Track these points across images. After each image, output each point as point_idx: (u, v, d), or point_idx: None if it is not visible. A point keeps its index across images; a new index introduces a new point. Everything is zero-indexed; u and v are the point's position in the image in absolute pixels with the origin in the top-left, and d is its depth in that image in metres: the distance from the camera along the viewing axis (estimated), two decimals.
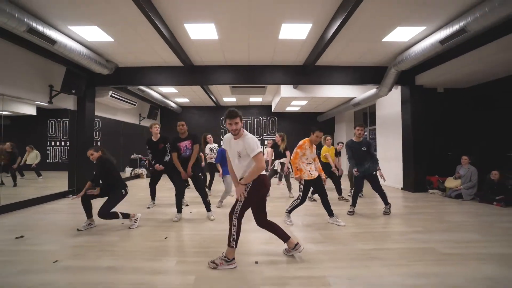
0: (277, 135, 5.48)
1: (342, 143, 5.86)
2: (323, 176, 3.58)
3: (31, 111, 8.27)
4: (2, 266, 2.32)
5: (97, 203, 3.33)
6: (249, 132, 6.47)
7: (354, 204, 4.08)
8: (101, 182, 3.44)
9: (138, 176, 9.28)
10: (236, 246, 2.27)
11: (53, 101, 5.27)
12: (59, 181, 8.16)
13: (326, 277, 2.10)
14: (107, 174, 3.40)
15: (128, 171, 9.67)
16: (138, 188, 6.87)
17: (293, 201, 3.53)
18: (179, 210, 3.83)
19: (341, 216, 3.80)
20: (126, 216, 3.38)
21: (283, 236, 2.43)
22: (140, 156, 10.24)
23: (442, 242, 2.87)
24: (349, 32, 4.31)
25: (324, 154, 5.18)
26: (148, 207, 4.60)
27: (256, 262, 2.36)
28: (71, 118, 6.15)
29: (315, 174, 3.44)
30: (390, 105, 7.06)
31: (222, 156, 4.60)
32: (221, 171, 4.66)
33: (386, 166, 7.22)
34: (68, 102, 5.79)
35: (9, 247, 2.77)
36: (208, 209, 3.86)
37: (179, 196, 3.84)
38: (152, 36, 4.50)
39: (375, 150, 7.84)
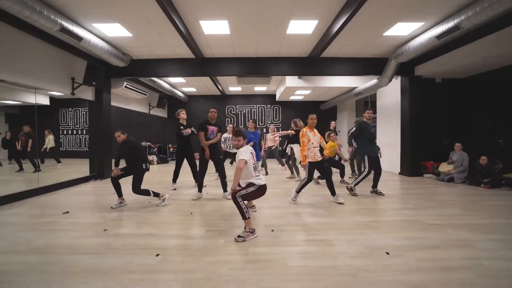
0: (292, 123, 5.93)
1: (336, 133, 6.18)
2: (325, 153, 4.00)
3: (45, 101, 8.68)
4: (62, 233, 2.83)
5: (126, 182, 3.81)
6: (254, 119, 6.89)
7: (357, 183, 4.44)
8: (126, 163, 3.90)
9: (149, 162, 9.76)
10: (250, 216, 2.72)
11: (75, 93, 5.67)
12: (74, 167, 8.73)
13: (330, 240, 2.60)
14: (130, 155, 3.85)
15: None
16: (152, 174, 7.37)
17: (301, 181, 4.01)
18: (200, 189, 4.33)
19: (344, 197, 4.30)
20: (156, 194, 3.87)
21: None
22: (149, 143, 10.74)
23: (427, 215, 3.36)
24: (353, 27, 4.62)
25: (332, 149, 5.36)
26: (174, 189, 5.14)
27: (272, 230, 2.86)
28: (90, 108, 6.56)
29: (318, 157, 3.89)
30: (390, 94, 7.41)
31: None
32: None
33: (385, 152, 7.61)
34: (87, 93, 6.18)
35: (61, 220, 3.28)
36: (225, 190, 4.35)
37: (201, 176, 4.31)
38: (168, 31, 4.84)
39: (376, 138, 8.27)
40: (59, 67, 5.23)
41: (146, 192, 3.79)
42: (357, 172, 6.27)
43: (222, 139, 6.15)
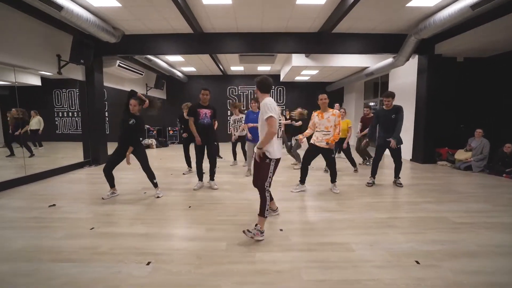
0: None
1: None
2: (331, 140, 3.55)
3: (35, 81, 8.16)
4: (45, 232, 2.51)
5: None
6: (257, 98, 6.35)
7: (374, 174, 4.14)
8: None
9: (148, 146, 9.42)
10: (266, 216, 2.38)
11: (61, 72, 5.17)
12: (71, 152, 8.38)
13: (349, 244, 2.26)
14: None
15: None
16: (152, 159, 7.01)
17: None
18: (200, 178, 4.00)
19: (357, 187, 3.96)
20: (156, 184, 3.62)
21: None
22: (148, 126, 10.31)
23: (452, 211, 3.01)
24: None
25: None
26: (184, 173, 5.04)
27: (281, 230, 2.53)
28: (81, 89, 6.08)
29: (319, 144, 3.55)
30: (404, 75, 6.85)
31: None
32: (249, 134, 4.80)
33: None
34: (77, 73, 5.68)
35: (46, 215, 2.96)
36: (212, 178, 4.04)
37: (198, 164, 3.96)
38: (161, 1, 4.26)
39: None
40: (42, 42, 4.69)
41: (153, 174, 3.62)
42: (367, 158, 5.91)
43: (232, 121, 5.69)
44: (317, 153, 3.65)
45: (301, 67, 7.68)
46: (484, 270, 1.87)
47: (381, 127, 4.05)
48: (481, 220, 2.77)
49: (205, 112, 3.87)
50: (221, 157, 6.66)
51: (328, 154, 3.64)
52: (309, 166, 3.76)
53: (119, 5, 4.41)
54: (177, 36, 5.91)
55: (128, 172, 4.74)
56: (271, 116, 2.21)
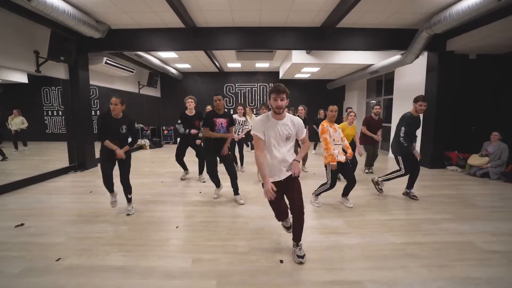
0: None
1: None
2: (349, 152, 3.27)
3: (22, 78, 7.67)
4: (4, 264, 2.11)
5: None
6: (255, 99, 5.94)
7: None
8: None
9: (141, 147, 9.00)
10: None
11: (41, 70, 4.71)
12: (58, 153, 7.86)
13: (363, 282, 1.88)
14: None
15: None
16: (143, 162, 6.62)
17: (322, 184, 3.28)
18: (218, 184, 3.69)
19: (367, 199, 3.58)
20: (130, 199, 3.21)
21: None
22: (141, 126, 9.87)
23: (479, 234, 2.63)
24: None
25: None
26: (182, 179, 4.73)
27: (281, 261, 2.13)
28: (64, 88, 5.62)
29: (341, 158, 3.11)
30: (412, 73, 6.42)
31: None
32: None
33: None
34: (59, 71, 5.21)
35: (10, 239, 2.56)
36: (236, 192, 3.58)
37: (214, 173, 3.59)
38: None
39: (390, 121, 7.41)
40: (16, 37, 4.23)
41: (130, 188, 3.20)
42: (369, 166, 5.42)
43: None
44: (340, 170, 3.24)
45: (301, 64, 7.23)
46: None
47: (409, 134, 3.47)
48: None
49: (221, 122, 3.46)
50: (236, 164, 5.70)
51: (347, 167, 3.27)
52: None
53: None
54: (168, 31, 5.45)
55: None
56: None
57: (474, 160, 5.04)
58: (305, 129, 2.14)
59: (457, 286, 1.84)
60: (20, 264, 2.12)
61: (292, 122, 2.04)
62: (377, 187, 3.80)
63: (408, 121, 3.44)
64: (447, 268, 2.06)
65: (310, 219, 3.00)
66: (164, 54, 7.58)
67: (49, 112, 10.68)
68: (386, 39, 5.47)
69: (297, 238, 2.16)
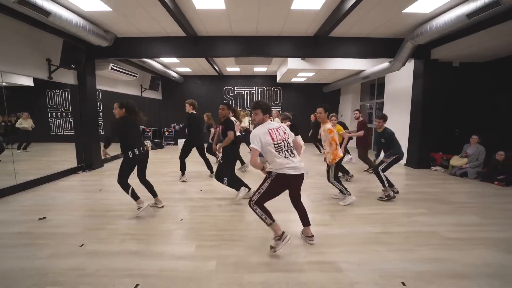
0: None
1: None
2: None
3: (27, 81, 8.03)
4: (33, 250, 2.47)
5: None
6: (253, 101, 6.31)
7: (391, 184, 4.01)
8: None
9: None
10: (273, 221, 2.37)
11: (52, 76, 5.07)
12: (64, 154, 8.21)
13: (338, 263, 2.25)
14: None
15: None
16: None
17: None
18: (242, 185, 3.83)
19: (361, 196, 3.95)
20: (134, 196, 3.25)
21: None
22: (143, 127, 10.22)
23: (445, 225, 3.01)
24: (369, 2, 3.95)
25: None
26: (183, 181, 4.98)
27: (271, 247, 2.50)
28: (72, 93, 5.98)
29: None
30: (401, 78, 6.81)
31: None
32: None
33: None
34: (68, 77, 5.57)
35: (35, 229, 2.92)
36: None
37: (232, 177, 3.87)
38: (153, 6, 4.16)
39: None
40: (31, 47, 4.58)
41: (126, 187, 3.21)
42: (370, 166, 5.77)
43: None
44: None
45: (297, 69, 7.62)
46: None
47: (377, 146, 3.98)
48: (472, 235, 2.77)
49: (219, 128, 3.94)
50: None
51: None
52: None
53: (110, 9, 4.31)
54: (171, 39, 5.81)
55: None
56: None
57: (455, 161, 5.44)
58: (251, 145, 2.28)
59: (415, 265, 2.21)
60: (48, 250, 2.48)
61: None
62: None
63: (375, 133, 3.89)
64: (411, 252, 2.43)
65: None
66: (166, 59, 7.94)
67: (54, 114, 11.01)
68: (375, 47, 5.85)
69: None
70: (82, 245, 2.56)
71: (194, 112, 4.90)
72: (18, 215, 3.35)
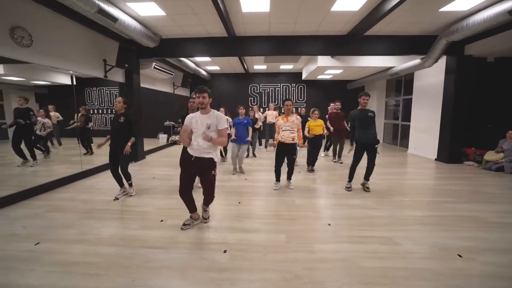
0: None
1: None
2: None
3: (68, 80, 8.71)
4: (122, 223, 2.93)
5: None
6: (277, 99, 6.65)
7: (352, 178, 4.05)
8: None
9: (175, 143, 9.89)
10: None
11: (107, 75, 5.61)
12: (104, 148, 8.84)
13: (392, 238, 2.54)
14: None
15: (162, 137, 10.36)
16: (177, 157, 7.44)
17: None
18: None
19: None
20: (131, 184, 3.92)
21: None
22: (172, 123, 10.80)
23: (486, 212, 3.21)
24: (409, 1, 4.14)
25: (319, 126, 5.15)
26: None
27: (329, 224, 2.82)
28: (121, 90, 6.53)
29: (286, 139, 4.01)
30: (431, 75, 6.88)
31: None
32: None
33: (420, 136, 7.36)
34: (118, 75, 6.11)
35: (115, 207, 3.39)
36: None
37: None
38: (203, 9, 4.55)
39: (409, 120, 7.89)
40: (91, 49, 5.12)
41: (129, 176, 3.86)
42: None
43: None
44: (286, 153, 4.01)
45: (326, 67, 7.83)
46: None
47: (361, 127, 3.87)
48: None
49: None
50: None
51: (292, 152, 4.01)
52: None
53: (164, 14, 4.75)
54: (210, 39, 6.19)
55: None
56: None
57: (490, 155, 5.51)
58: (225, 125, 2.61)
59: (467, 241, 2.46)
60: (135, 223, 2.92)
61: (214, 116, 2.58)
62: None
63: (355, 115, 3.91)
64: (457, 231, 2.68)
65: (342, 198, 3.68)
66: (199, 58, 8.39)
67: (91, 110, 11.80)
68: (407, 44, 5.98)
69: None
70: (162, 220, 2.98)
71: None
72: (93, 196, 3.84)
